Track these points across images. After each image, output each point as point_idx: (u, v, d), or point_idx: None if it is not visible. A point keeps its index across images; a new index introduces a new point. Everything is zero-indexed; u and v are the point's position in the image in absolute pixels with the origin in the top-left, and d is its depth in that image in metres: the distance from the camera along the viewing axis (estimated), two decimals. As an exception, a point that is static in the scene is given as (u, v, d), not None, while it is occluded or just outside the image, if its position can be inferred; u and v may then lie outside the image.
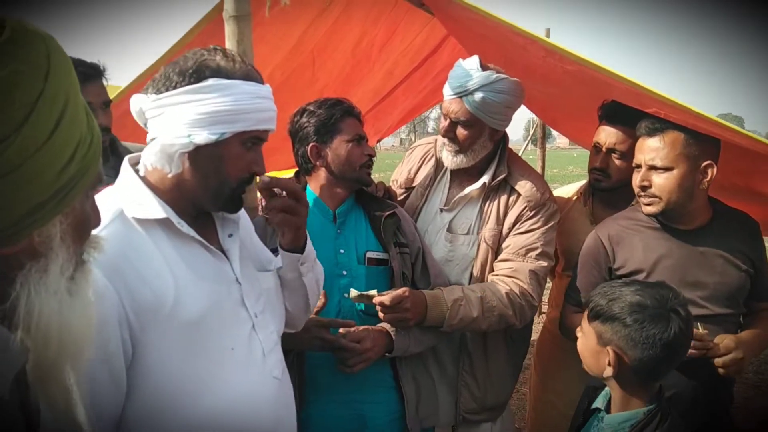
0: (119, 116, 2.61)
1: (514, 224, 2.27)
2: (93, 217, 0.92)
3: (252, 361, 1.42)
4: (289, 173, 2.72)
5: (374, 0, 2.86)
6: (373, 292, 1.94)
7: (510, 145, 2.42)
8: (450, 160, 2.30)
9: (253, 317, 1.46)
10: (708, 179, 1.95)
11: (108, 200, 1.31)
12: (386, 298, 1.93)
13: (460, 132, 2.25)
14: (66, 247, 0.83)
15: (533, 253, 2.23)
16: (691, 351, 1.80)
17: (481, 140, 2.26)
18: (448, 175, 2.41)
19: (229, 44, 1.89)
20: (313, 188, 2.09)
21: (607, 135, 2.33)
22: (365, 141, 2.07)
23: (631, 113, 2.05)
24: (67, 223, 0.83)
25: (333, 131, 2.00)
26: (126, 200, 1.32)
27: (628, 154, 2.19)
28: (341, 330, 1.91)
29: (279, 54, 2.80)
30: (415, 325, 2.04)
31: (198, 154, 1.31)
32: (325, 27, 2.86)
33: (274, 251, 1.73)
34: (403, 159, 2.61)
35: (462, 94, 2.19)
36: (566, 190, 2.82)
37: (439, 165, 2.43)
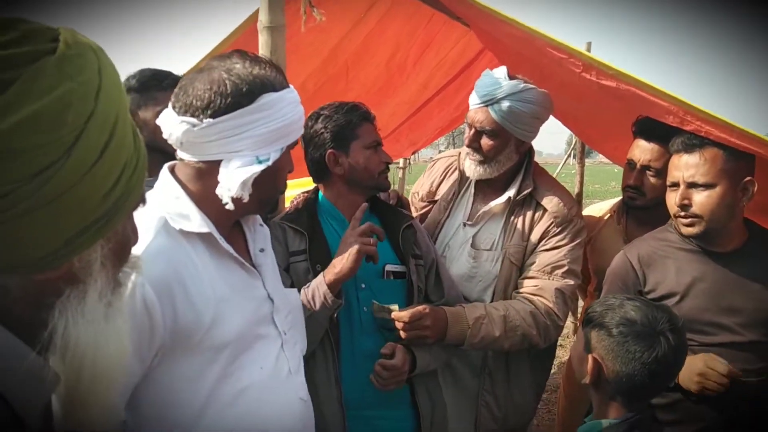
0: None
1: (539, 240, 2.22)
2: (133, 238, 0.90)
3: (278, 381, 1.42)
4: (307, 183, 2.72)
5: (410, 13, 2.87)
6: (394, 306, 1.91)
7: (551, 160, 2.36)
8: (473, 170, 2.26)
9: (282, 334, 1.46)
10: (748, 197, 1.86)
11: (150, 207, 1.27)
12: (405, 314, 1.88)
13: (485, 142, 2.21)
14: (105, 273, 0.81)
15: (559, 271, 2.18)
16: (715, 389, 1.75)
17: (507, 151, 2.22)
18: (472, 189, 2.37)
19: (263, 54, 1.92)
20: (327, 196, 2.04)
21: (642, 151, 2.26)
22: (381, 147, 2.03)
23: (666, 129, 1.98)
24: (108, 248, 0.80)
25: (351, 137, 1.94)
26: (169, 210, 1.31)
27: (663, 171, 2.11)
28: (383, 350, 1.88)
29: (312, 64, 2.81)
30: (435, 342, 1.99)
31: (260, 173, 1.30)
32: (360, 39, 2.87)
33: (299, 252, 1.82)
34: (425, 171, 2.58)
35: (488, 102, 2.16)
36: (598, 208, 2.76)
37: (462, 178, 2.40)
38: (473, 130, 2.22)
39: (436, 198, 2.42)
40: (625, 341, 1.43)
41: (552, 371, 2.76)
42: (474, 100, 2.22)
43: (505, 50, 2.64)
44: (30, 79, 0.67)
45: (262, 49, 1.92)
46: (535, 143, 2.41)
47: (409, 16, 2.92)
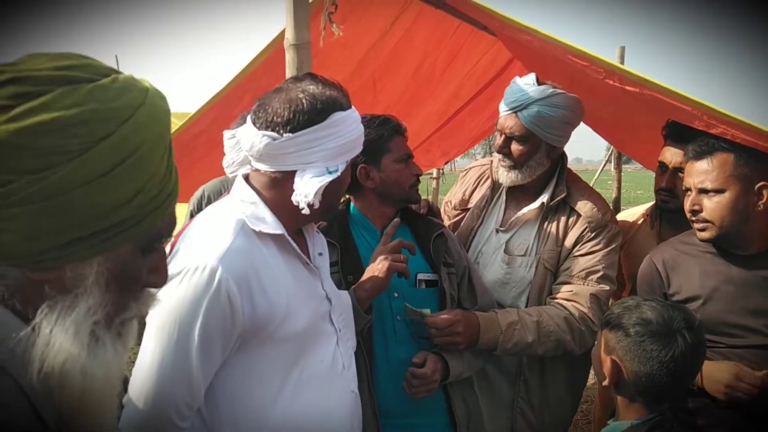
0: (190, 139, 2.76)
1: (574, 246, 2.21)
2: (152, 276, 0.91)
3: (335, 374, 1.54)
4: None
5: (436, 23, 2.89)
6: (426, 310, 1.93)
7: (591, 166, 2.36)
8: (505, 176, 2.27)
9: (337, 331, 1.58)
10: (764, 201, 1.84)
11: (228, 211, 1.47)
12: (438, 320, 1.90)
13: (515, 147, 2.22)
14: (100, 292, 0.83)
15: (594, 276, 2.16)
16: (743, 395, 1.72)
17: (537, 156, 2.22)
18: (504, 196, 2.38)
19: (290, 72, 1.97)
20: (359, 207, 2.06)
21: (673, 155, 2.24)
22: (412, 159, 2.04)
23: (696, 132, 1.97)
24: (105, 267, 0.82)
25: (382, 151, 1.96)
26: (247, 214, 1.45)
27: None
28: (414, 359, 1.90)
29: (339, 78, 2.84)
30: (466, 348, 2.00)
31: (329, 183, 1.43)
32: (386, 51, 2.90)
33: (334, 264, 1.86)
34: (458, 180, 2.60)
35: (517, 108, 2.17)
36: (632, 213, 2.73)
37: (495, 186, 2.40)
38: (503, 136, 2.24)
39: (469, 206, 2.44)
40: (641, 341, 1.43)
41: (591, 381, 2.73)
42: (503, 107, 2.24)
43: (533, 58, 2.64)
44: (60, 94, 0.75)
45: (289, 67, 1.96)
46: (576, 149, 2.43)
47: (434, 27, 2.94)
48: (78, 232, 0.79)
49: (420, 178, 2.07)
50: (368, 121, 1.97)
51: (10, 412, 0.75)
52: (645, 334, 1.43)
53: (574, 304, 2.13)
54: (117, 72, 0.83)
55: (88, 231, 0.79)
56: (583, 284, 2.16)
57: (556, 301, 2.16)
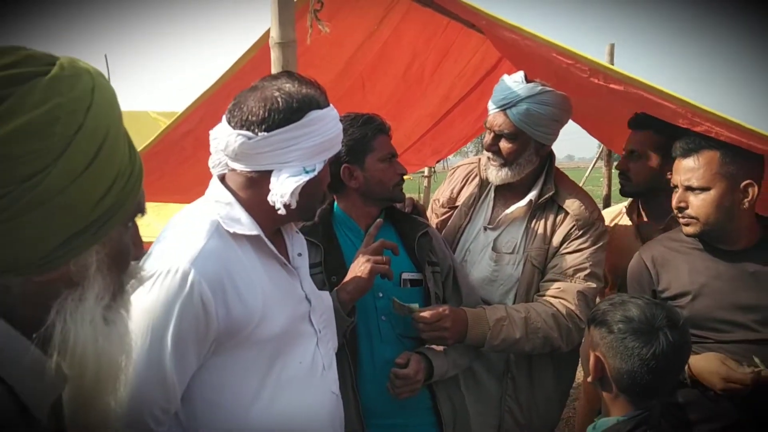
0: (178, 138, 2.74)
1: (561, 243, 2.22)
2: (134, 249, 0.95)
3: (314, 376, 1.53)
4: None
5: (424, 22, 2.88)
6: (415, 305, 1.92)
7: (583, 164, 2.39)
8: (494, 174, 2.27)
9: (317, 332, 1.57)
10: (749, 199, 1.86)
11: (201, 212, 1.45)
12: (426, 313, 1.90)
13: (504, 145, 2.22)
14: (102, 277, 0.86)
15: (581, 274, 2.17)
16: (738, 387, 1.73)
17: (526, 154, 2.23)
18: (492, 194, 2.38)
19: (275, 70, 1.96)
20: (342, 207, 2.07)
21: (629, 140, 2.39)
22: (396, 158, 2.04)
23: (655, 120, 2.07)
24: (104, 253, 0.85)
25: (365, 151, 1.96)
26: (221, 215, 1.43)
27: (645, 157, 2.33)
28: (397, 360, 1.90)
29: (327, 78, 2.84)
30: (455, 343, 2.00)
31: (306, 182, 1.41)
32: (374, 50, 2.90)
33: (314, 265, 1.84)
34: (446, 178, 2.60)
35: (506, 106, 2.18)
36: (611, 210, 2.79)
37: (483, 184, 2.41)
38: (492, 134, 2.24)
39: (457, 204, 2.44)
40: (623, 338, 1.44)
41: (581, 378, 2.74)
42: (492, 105, 2.24)
43: (520, 56, 2.64)
44: (21, 95, 0.75)
45: (274, 65, 1.95)
46: (567, 147, 2.47)
47: (423, 26, 2.93)
48: (76, 226, 0.80)
49: (405, 177, 2.07)
50: (352, 120, 1.97)
51: None
52: (627, 331, 1.44)
53: (561, 301, 2.13)
54: (53, 57, 0.82)
55: (84, 223, 0.81)
56: (571, 281, 2.16)
57: (543, 298, 2.17)
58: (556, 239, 2.22)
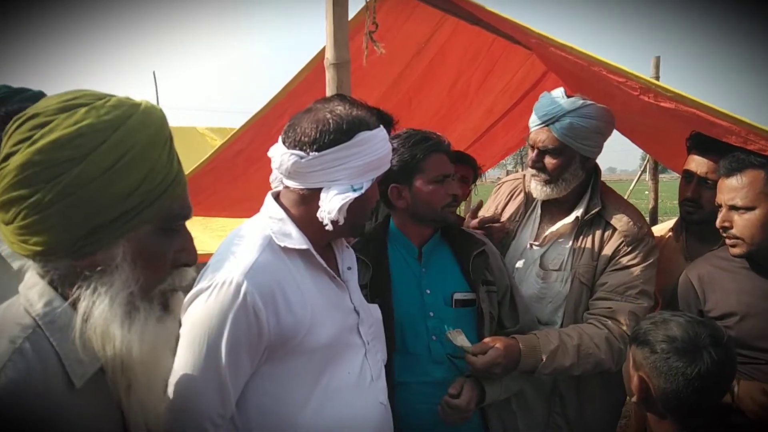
0: (231, 157, 2.84)
1: (610, 260, 2.19)
2: (178, 255, 1.10)
3: (362, 386, 1.57)
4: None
5: (471, 39, 2.92)
6: (468, 344, 1.87)
7: (625, 176, 2.34)
8: (539, 190, 2.26)
9: (366, 344, 1.62)
10: None
11: (256, 228, 1.54)
12: (478, 362, 1.84)
13: (549, 161, 2.22)
14: (130, 268, 1.01)
15: (632, 292, 2.13)
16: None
17: (572, 169, 2.22)
18: (538, 210, 2.38)
19: (329, 90, 2.02)
20: (396, 224, 2.06)
21: (698, 164, 2.24)
22: (451, 179, 1.99)
23: (721, 143, 1.96)
24: (130, 247, 1.01)
25: (414, 171, 1.93)
26: (273, 230, 1.51)
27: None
28: (450, 390, 1.86)
29: (375, 95, 2.90)
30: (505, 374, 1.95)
31: (354, 200, 1.47)
32: (421, 68, 2.94)
33: (363, 287, 1.84)
34: (490, 195, 2.59)
35: (549, 122, 2.17)
36: (659, 228, 2.72)
37: (528, 200, 2.40)
38: (536, 151, 2.24)
39: (502, 221, 2.43)
40: (667, 358, 1.43)
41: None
42: (534, 122, 2.24)
43: (568, 73, 2.66)
44: (63, 119, 0.96)
45: (329, 86, 2.01)
46: (609, 159, 2.41)
47: (469, 42, 2.97)
48: (100, 219, 0.97)
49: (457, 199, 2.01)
50: (405, 139, 1.96)
51: (46, 369, 0.96)
52: (671, 351, 1.43)
53: (613, 321, 2.10)
54: (111, 96, 1.02)
55: (107, 217, 0.98)
56: (621, 300, 2.13)
57: (594, 317, 2.13)
58: (605, 256, 2.20)
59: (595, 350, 2.03)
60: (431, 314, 1.96)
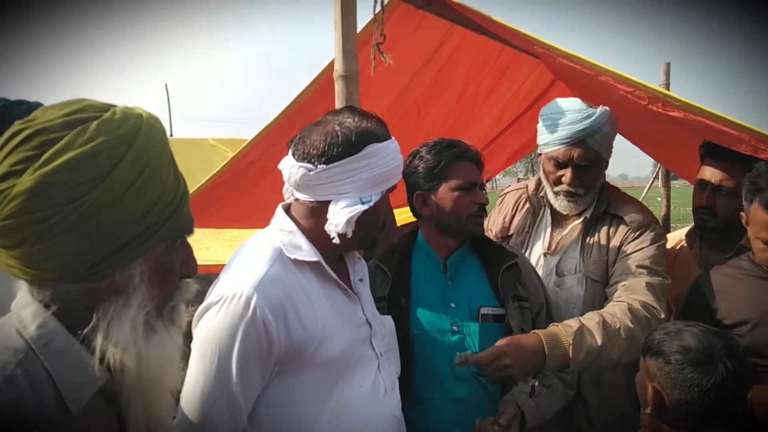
0: (243, 168, 2.87)
1: (619, 250, 2.17)
2: (183, 267, 1.08)
3: (376, 399, 1.56)
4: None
5: (479, 49, 2.93)
6: (468, 352, 1.76)
7: (637, 183, 2.35)
8: (572, 207, 2.24)
9: (379, 356, 1.60)
10: None
11: (266, 240, 1.52)
12: (482, 356, 1.73)
13: (587, 175, 2.19)
14: (146, 287, 0.98)
15: (644, 270, 2.07)
16: None
17: (602, 176, 2.25)
18: (548, 218, 2.36)
19: (339, 102, 2.03)
20: (423, 234, 2.01)
21: (712, 173, 2.24)
22: (478, 187, 1.92)
23: (733, 152, 1.96)
24: (147, 267, 0.98)
25: (440, 178, 1.89)
26: (284, 242, 1.50)
27: (735, 191, 2.10)
28: (501, 421, 1.73)
29: (382, 106, 2.91)
30: (530, 373, 1.80)
31: (363, 212, 1.46)
32: (429, 78, 2.95)
33: (379, 299, 1.84)
34: (495, 207, 2.55)
35: (587, 136, 2.14)
36: (672, 236, 2.71)
37: (535, 210, 2.39)
38: (570, 168, 2.18)
39: (511, 233, 2.41)
40: (682, 369, 1.41)
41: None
42: (563, 138, 2.16)
43: (575, 82, 2.66)
44: (75, 135, 0.90)
45: (338, 98, 2.02)
46: (621, 167, 2.42)
47: (477, 52, 2.97)
48: (118, 242, 0.93)
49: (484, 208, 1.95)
50: (432, 146, 1.93)
51: (38, 395, 0.92)
52: (685, 362, 1.41)
53: (630, 295, 1.99)
54: (113, 105, 0.98)
55: (125, 239, 0.94)
56: (635, 277, 2.05)
57: (611, 300, 2.03)
58: (613, 248, 2.18)
59: (623, 323, 1.86)
60: (455, 329, 1.90)
